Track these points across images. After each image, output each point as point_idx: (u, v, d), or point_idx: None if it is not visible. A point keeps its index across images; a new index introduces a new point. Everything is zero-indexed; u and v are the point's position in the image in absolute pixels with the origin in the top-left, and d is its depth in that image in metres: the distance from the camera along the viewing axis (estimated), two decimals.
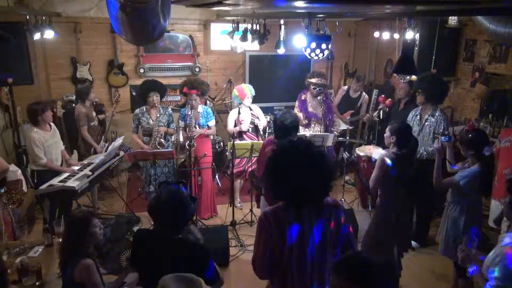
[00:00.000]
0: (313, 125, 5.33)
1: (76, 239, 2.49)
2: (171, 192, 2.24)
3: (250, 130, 5.21)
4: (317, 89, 5.20)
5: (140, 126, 4.88)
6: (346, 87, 6.21)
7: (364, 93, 5.96)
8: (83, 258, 2.43)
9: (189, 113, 4.85)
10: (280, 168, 2.00)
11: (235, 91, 5.15)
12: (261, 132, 5.33)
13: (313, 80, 5.21)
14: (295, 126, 3.44)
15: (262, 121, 5.25)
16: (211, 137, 5.39)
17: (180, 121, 4.95)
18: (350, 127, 5.82)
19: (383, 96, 5.32)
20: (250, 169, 5.15)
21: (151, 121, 4.80)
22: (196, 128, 4.84)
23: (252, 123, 5.15)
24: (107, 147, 4.98)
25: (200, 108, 4.94)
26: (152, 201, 2.29)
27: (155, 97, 4.74)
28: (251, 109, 5.21)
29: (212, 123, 5.03)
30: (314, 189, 1.97)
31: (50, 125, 4.35)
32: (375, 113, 5.31)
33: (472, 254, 2.38)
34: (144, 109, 4.84)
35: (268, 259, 2.04)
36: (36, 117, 4.15)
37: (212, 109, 5.42)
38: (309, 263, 2.05)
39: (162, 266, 2.14)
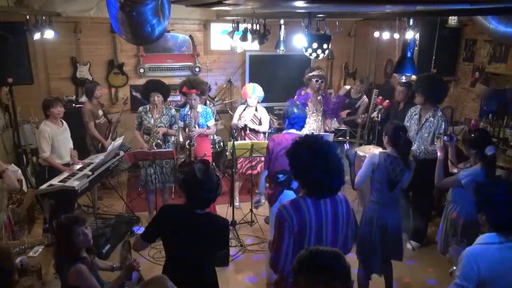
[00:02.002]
0: (311, 120, 5.32)
1: (62, 245, 2.48)
2: (204, 169, 2.37)
3: (248, 130, 5.22)
4: (319, 80, 5.22)
5: (142, 124, 4.88)
6: (348, 86, 6.22)
7: (364, 96, 5.96)
8: (74, 263, 2.41)
9: (189, 113, 4.85)
10: (304, 160, 2.13)
11: (242, 90, 5.27)
12: (261, 135, 5.35)
13: (314, 73, 5.23)
14: (306, 116, 3.79)
15: (264, 125, 5.25)
16: (211, 137, 5.39)
17: (179, 121, 4.95)
18: (343, 127, 5.81)
19: (380, 97, 5.34)
20: (246, 167, 5.15)
21: (152, 121, 4.79)
22: (195, 128, 4.84)
23: (253, 122, 5.16)
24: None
25: (200, 108, 4.93)
26: (188, 176, 2.39)
27: (156, 98, 4.70)
28: (256, 110, 5.23)
29: (211, 123, 5.02)
30: (333, 181, 2.12)
31: (62, 122, 4.52)
32: (375, 113, 5.31)
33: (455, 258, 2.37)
34: (148, 108, 4.81)
35: (292, 253, 2.09)
36: (45, 111, 4.39)
37: (212, 109, 5.42)
38: None
39: (187, 237, 2.37)
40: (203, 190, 2.35)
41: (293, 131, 3.66)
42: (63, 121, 4.56)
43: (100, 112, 5.45)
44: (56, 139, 4.38)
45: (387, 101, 5.22)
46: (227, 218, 2.65)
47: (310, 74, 5.26)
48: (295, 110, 3.65)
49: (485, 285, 2.01)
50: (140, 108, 4.89)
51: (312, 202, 2.14)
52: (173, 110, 4.99)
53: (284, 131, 3.74)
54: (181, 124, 4.91)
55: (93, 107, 5.31)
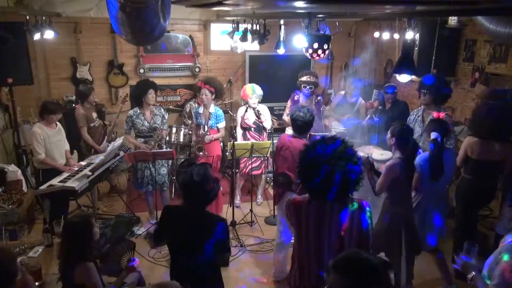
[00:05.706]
0: None
1: (78, 242, 2.49)
2: (201, 171, 2.47)
3: (253, 130, 5.25)
4: (307, 87, 5.20)
5: (133, 128, 4.82)
6: (343, 92, 6.20)
7: (360, 98, 5.94)
8: (83, 260, 2.44)
9: (201, 111, 4.91)
10: (311, 163, 2.13)
11: (241, 92, 5.28)
12: (266, 133, 5.39)
13: (303, 78, 5.23)
14: (313, 120, 3.66)
15: (268, 122, 5.28)
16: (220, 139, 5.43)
17: (194, 119, 5.05)
18: (345, 129, 5.79)
19: (368, 102, 5.40)
20: (249, 167, 5.15)
21: (146, 123, 4.74)
22: (205, 128, 4.90)
23: (255, 123, 5.20)
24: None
25: (212, 108, 4.98)
26: (186, 178, 2.47)
27: (153, 94, 4.71)
28: (258, 110, 5.24)
29: (221, 125, 5.04)
30: (337, 184, 2.05)
31: (56, 124, 4.47)
32: (371, 112, 5.33)
33: (471, 264, 2.37)
34: (138, 111, 4.75)
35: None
36: (44, 113, 4.34)
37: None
38: (326, 255, 2.17)
39: (187, 236, 2.46)
40: (200, 191, 2.47)
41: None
42: (58, 123, 4.49)
43: (94, 115, 5.30)
44: (49, 141, 4.31)
45: (376, 101, 5.28)
46: (226, 218, 2.71)
47: (300, 79, 5.26)
48: (302, 116, 3.69)
49: None
50: (131, 112, 4.80)
51: (315, 203, 2.18)
52: (162, 110, 4.99)
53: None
54: (199, 122, 4.99)
55: (86, 111, 5.15)
